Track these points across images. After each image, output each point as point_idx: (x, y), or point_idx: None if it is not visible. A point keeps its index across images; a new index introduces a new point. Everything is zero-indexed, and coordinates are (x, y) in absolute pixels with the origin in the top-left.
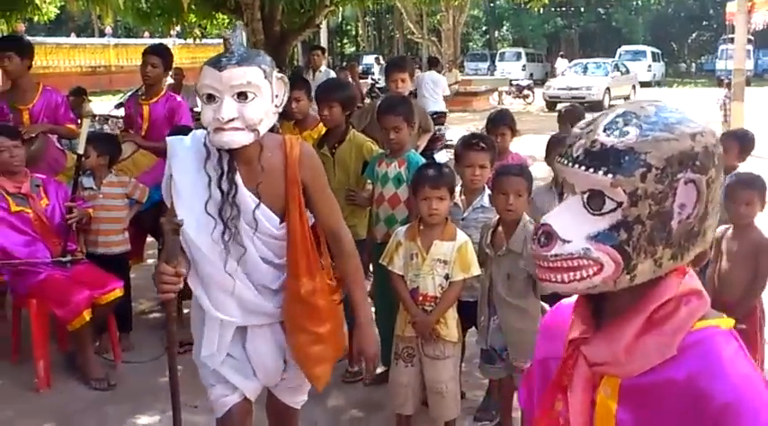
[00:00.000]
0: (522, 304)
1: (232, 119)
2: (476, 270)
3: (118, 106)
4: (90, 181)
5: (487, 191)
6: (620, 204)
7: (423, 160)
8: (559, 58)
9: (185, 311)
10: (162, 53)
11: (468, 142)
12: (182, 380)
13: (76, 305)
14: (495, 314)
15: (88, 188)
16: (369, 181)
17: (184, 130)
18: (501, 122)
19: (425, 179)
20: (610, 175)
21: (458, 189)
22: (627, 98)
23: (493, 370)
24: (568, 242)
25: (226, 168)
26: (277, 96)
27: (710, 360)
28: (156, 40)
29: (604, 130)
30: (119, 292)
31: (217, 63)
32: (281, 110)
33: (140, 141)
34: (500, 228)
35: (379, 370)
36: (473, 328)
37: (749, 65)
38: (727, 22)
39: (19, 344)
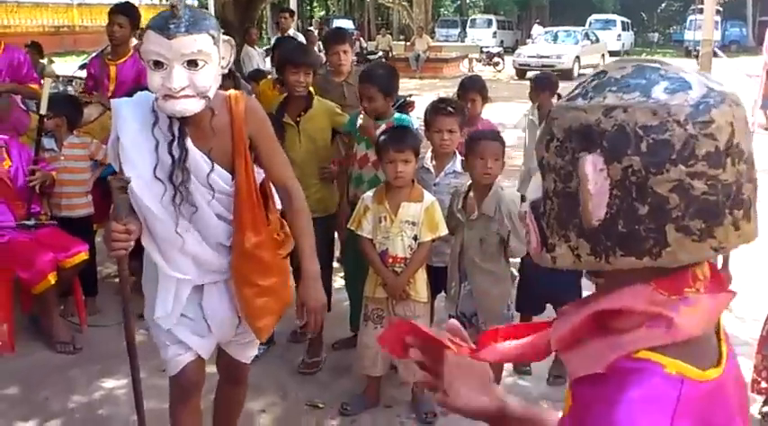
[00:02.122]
0: (493, 268)
1: (183, 88)
2: (443, 230)
3: (82, 67)
4: (51, 143)
5: (459, 157)
6: None
7: (412, 121)
8: (536, 25)
9: None
10: (129, 12)
11: (437, 107)
12: (149, 344)
13: (41, 268)
14: (465, 280)
15: (49, 149)
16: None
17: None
18: (472, 88)
19: (390, 142)
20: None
21: (429, 154)
22: (596, 67)
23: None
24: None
25: (177, 133)
26: (223, 58)
27: (604, 396)
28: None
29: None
30: (84, 256)
31: (164, 29)
32: (226, 71)
33: (107, 103)
34: (471, 193)
35: (349, 336)
36: (442, 294)
37: (717, 36)
38: None
39: None
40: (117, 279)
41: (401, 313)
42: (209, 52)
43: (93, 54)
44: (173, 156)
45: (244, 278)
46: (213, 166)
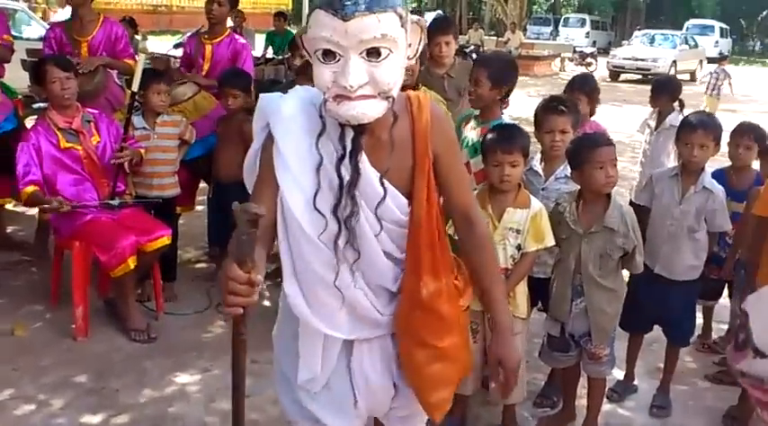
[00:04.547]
0: (612, 285)
1: (362, 85)
2: (550, 240)
3: (176, 46)
4: (141, 121)
5: None
6: None
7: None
8: (636, 31)
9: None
10: None
11: (549, 105)
12: (225, 338)
13: (122, 250)
14: (578, 297)
15: (139, 128)
16: None
17: (243, 75)
18: (580, 88)
19: (498, 142)
20: None
21: (538, 156)
22: (693, 73)
23: (564, 359)
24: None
25: (349, 148)
26: (410, 46)
27: None
28: None
29: None
30: (166, 240)
31: (337, 6)
32: (413, 62)
33: (202, 80)
34: (583, 203)
35: None
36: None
37: None
38: None
39: (59, 288)
40: (197, 265)
41: None
42: (396, 36)
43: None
44: (341, 179)
45: (415, 336)
46: (387, 192)
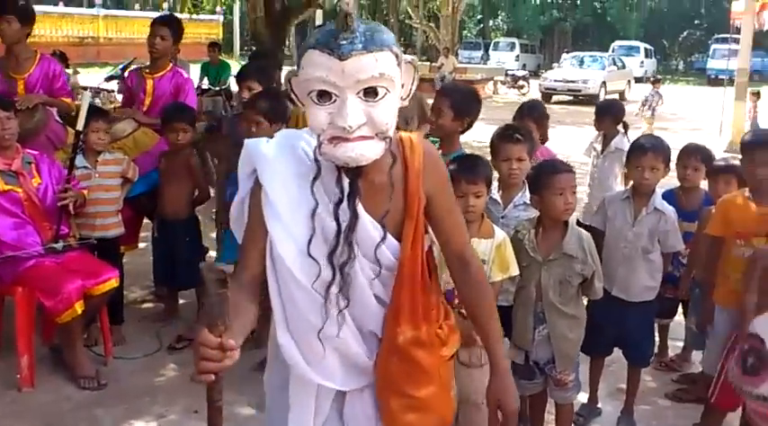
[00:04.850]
0: (573, 311)
1: (360, 126)
2: (515, 269)
3: (108, 79)
4: (82, 160)
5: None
6: None
7: None
8: (564, 54)
9: (180, 301)
10: (172, 24)
11: (504, 133)
12: (178, 381)
13: (68, 295)
14: (540, 324)
15: (81, 167)
16: None
17: (188, 109)
18: (530, 115)
19: (462, 172)
20: None
21: (495, 184)
22: (622, 93)
23: (530, 386)
24: None
25: (347, 191)
26: (403, 86)
27: None
28: (147, 14)
29: None
30: (114, 283)
31: (335, 47)
32: (406, 103)
33: (142, 118)
34: (540, 230)
35: None
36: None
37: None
38: (731, 21)
39: (0, 337)
40: (144, 305)
41: (465, 359)
42: (393, 76)
43: (121, 66)
44: (339, 224)
45: (391, 384)
46: (385, 236)
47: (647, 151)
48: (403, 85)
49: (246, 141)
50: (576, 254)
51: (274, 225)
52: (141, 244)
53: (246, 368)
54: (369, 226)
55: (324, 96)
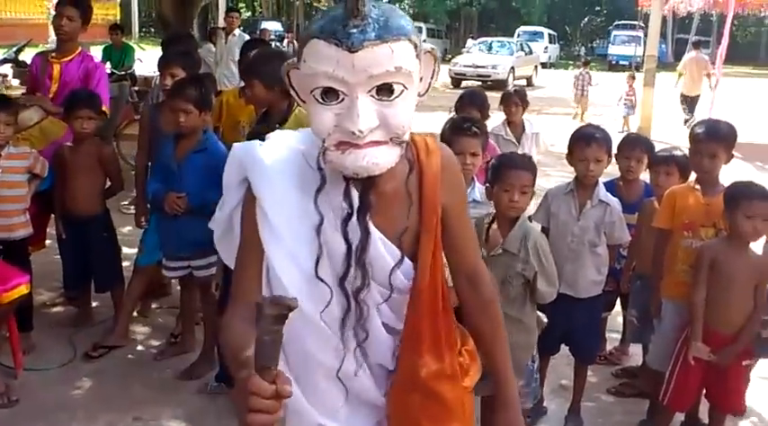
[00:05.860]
0: (516, 314)
1: (372, 130)
2: None
3: (1, 62)
4: None
5: (477, 184)
6: None
7: None
8: (469, 39)
9: (93, 304)
10: (80, 4)
11: (459, 126)
12: (98, 394)
13: None
14: None
15: None
16: None
17: (94, 95)
18: (471, 104)
19: None
20: None
21: None
22: (529, 79)
23: (479, 388)
24: None
25: (356, 206)
26: (422, 79)
27: None
28: None
29: None
30: (24, 289)
31: (343, 37)
32: (424, 99)
33: (49, 106)
34: (494, 226)
35: None
36: None
37: (640, 51)
38: (639, 8)
39: None
40: (54, 309)
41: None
42: (411, 70)
43: (15, 48)
44: (348, 244)
45: (412, 423)
46: (402, 259)
47: (591, 142)
48: (421, 79)
49: (235, 145)
50: (518, 252)
51: (273, 246)
52: (47, 241)
53: (170, 376)
54: (381, 247)
55: (330, 94)
